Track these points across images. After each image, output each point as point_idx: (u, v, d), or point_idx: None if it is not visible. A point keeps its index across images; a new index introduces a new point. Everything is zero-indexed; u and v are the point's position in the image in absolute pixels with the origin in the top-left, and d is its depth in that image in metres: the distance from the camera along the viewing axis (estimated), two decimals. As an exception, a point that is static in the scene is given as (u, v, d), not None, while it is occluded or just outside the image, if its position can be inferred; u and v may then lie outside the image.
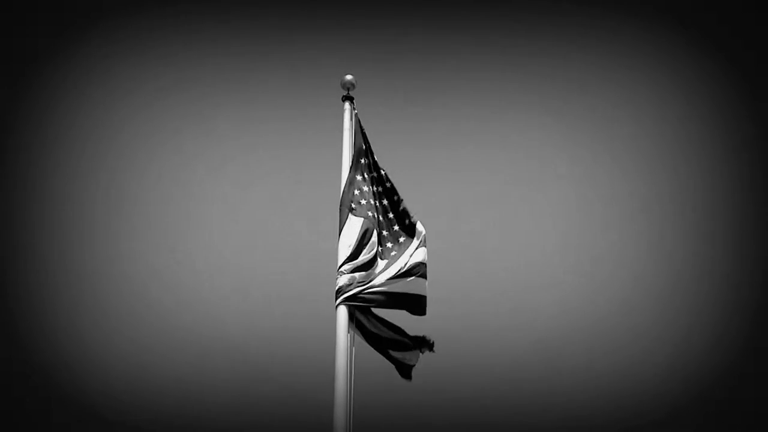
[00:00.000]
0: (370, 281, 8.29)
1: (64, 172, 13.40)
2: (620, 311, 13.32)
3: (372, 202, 8.80)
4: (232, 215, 14.06)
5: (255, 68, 14.36)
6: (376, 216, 8.73)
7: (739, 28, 14.00)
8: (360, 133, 9.15)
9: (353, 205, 8.62)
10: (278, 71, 14.42)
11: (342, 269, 8.21)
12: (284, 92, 14.34)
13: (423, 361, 8.56)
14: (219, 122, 14.25)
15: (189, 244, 13.71)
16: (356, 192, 8.74)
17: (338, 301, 8.09)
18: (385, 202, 8.96)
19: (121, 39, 13.87)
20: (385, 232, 8.79)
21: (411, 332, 8.59)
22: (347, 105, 9.39)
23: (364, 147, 9.08)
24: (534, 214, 14.25)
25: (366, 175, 8.95)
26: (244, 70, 14.33)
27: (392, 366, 8.60)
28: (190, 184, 13.98)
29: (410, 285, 8.40)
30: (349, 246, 8.31)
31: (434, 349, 8.59)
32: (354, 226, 8.45)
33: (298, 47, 14.39)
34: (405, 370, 8.65)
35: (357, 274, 8.23)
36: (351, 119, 9.26)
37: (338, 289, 8.12)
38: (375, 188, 8.96)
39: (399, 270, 8.41)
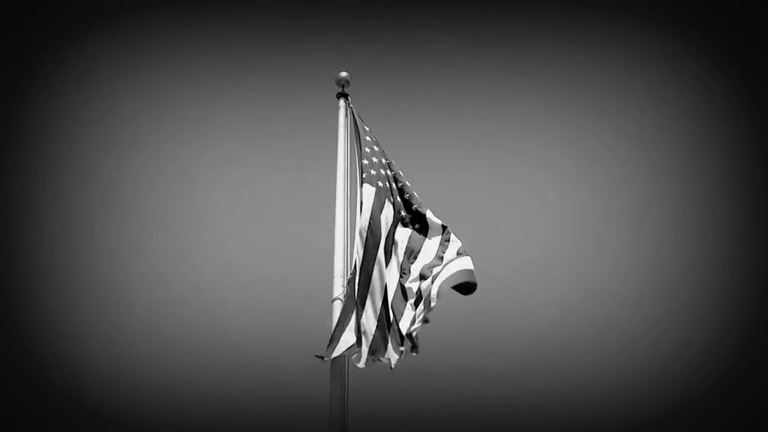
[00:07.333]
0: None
1: (65, 172, 13.44)
2: (620, 312, 13.32)
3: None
4: (232, 214, 14.10)
5: (252, 68, 14.42)
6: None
7: (739, 28, 14.00)
8: (357, 127, 8.69)
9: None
10: (276, 70, 14.48)
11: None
12: (281, 91, 14.39)
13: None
14: (218, 122, 14.31)
15: (189, 244, 13.74)
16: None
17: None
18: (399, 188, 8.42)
19: (121, 39, 13.91)
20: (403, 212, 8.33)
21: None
22: (342, 102, 9.20)
23: (367, 139, 8.50)
24: (534, 214, 14.25)
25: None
26: (243, 71, 14.38)
27: (390, 366, 8.10)
28: (189, 184, 14.02)
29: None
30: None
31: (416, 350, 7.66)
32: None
33: (294, 47, 14.44)
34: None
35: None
36: (346, 116, 9.03)
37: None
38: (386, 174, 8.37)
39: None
